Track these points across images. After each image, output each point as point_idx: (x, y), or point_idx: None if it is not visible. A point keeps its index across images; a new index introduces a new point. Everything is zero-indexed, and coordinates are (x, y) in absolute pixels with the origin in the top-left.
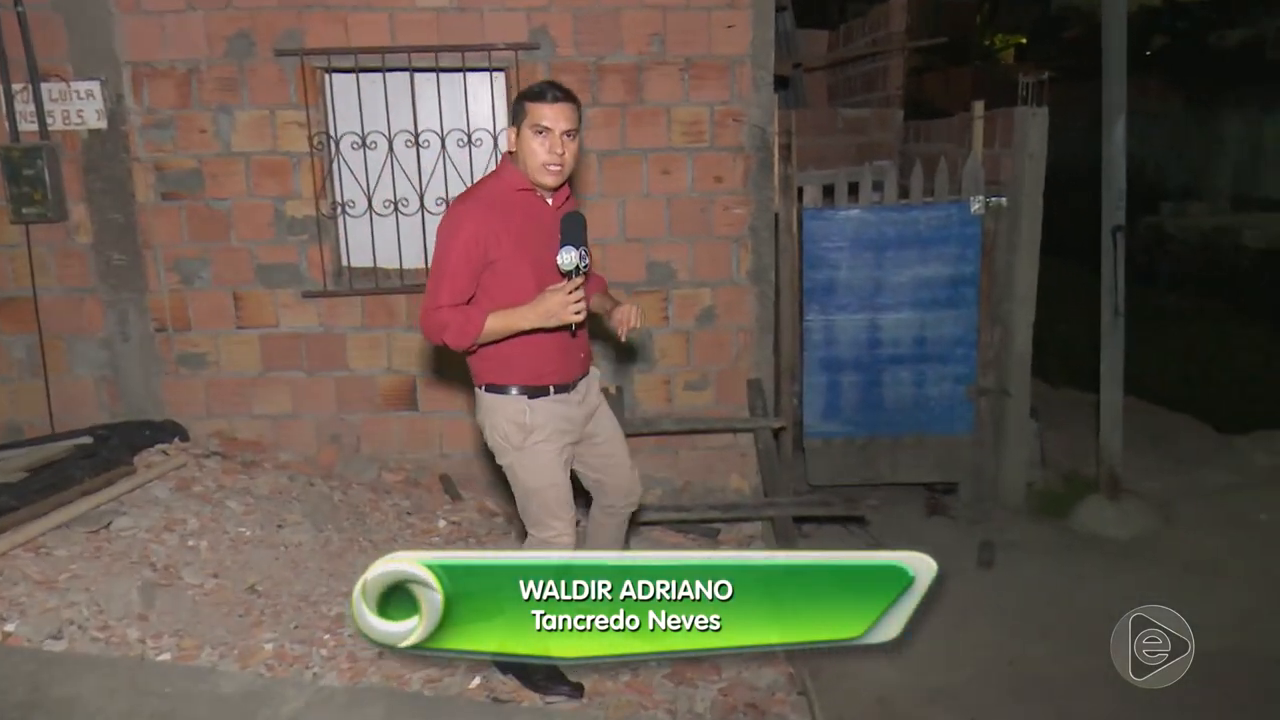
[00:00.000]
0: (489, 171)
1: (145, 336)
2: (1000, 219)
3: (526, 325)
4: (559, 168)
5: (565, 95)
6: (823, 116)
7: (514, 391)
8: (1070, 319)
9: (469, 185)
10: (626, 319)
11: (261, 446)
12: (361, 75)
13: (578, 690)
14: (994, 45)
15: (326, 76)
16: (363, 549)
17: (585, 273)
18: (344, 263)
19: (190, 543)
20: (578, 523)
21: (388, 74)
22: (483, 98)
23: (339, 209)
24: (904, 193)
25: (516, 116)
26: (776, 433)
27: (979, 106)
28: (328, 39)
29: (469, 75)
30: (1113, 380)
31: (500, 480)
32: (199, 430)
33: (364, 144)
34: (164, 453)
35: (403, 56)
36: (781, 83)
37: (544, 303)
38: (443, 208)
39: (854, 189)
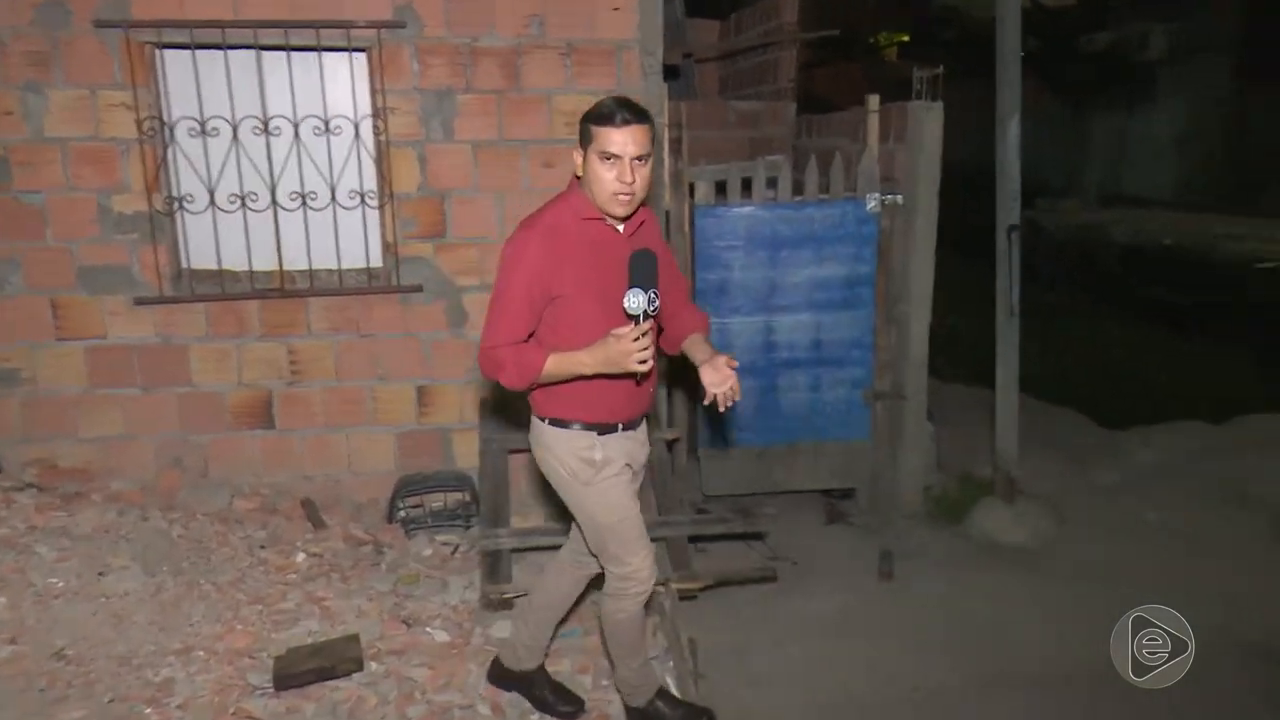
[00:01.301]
0: (556, 194)
1: None
2: (896, 217)
3: (588, 371)
4: (629, 196)
5: (636, 116)
6: (714, 109)
7: (578, 427)
8: (949, 313)
9: (330, 181)
10: (718, 384)
11: (89, 475)
12: (199, 53)
13: (579, 705)
14: (879, 43)
15: (158, 53)
16: (203, 594)
17: (653, 316)
18: (184, 265)
19: None
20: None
21: (230, 52)
22: (342, 80)
23: (176, 204)
24: (798, 189)
25: (582, 139)
26: (670, 444)
27: (874, 100)
28: (158, 9)
29: (325, 55)
30: (1008, 383)
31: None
32: (13, 458)
33: (204, 131)
34: None
35: (247, 32)
36: (671, 72)
37: (605, 349)
38: (298, 203)
39: (747, 185)
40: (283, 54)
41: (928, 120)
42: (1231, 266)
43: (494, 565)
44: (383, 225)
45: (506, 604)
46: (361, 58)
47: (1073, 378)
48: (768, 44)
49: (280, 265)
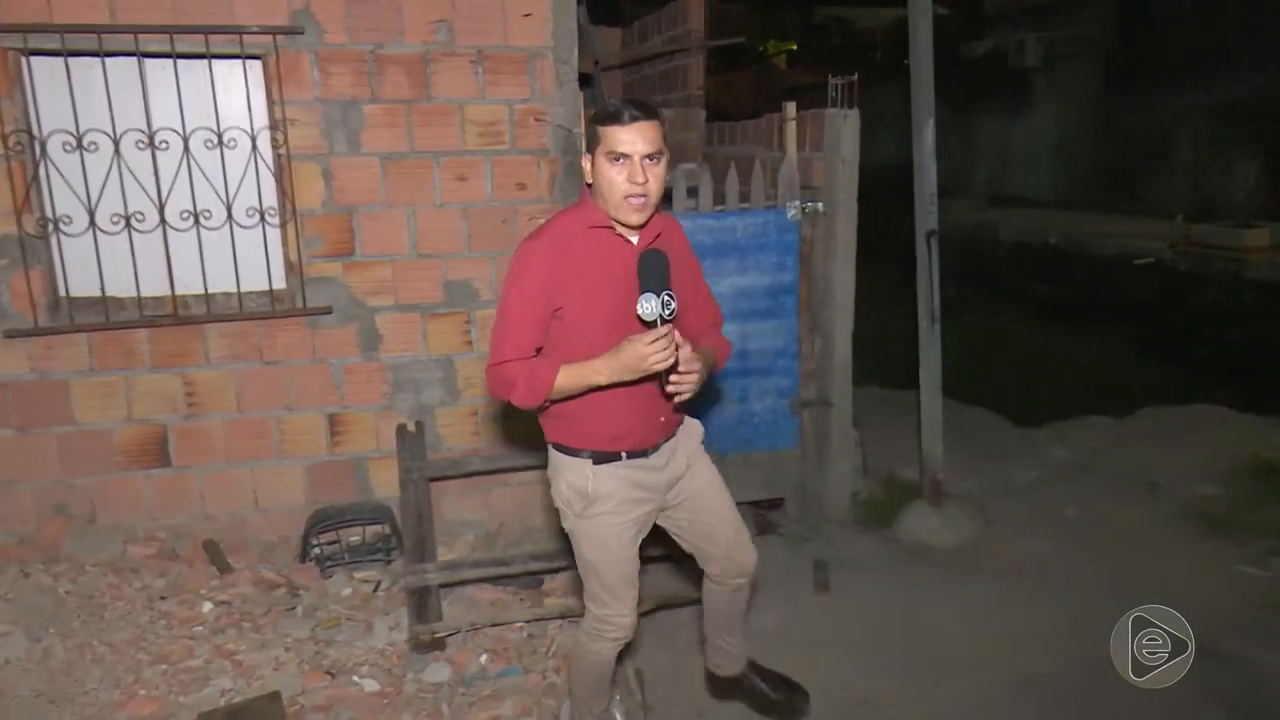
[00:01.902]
0: (566, 207)
1: None
2: (817, 225)
3: (602, 379)
4: (643, 199)
5: (645, 112)
6: None
7: (581, 455)
8: (862, 317)
9: (225, 198)
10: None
11: None
12: (74, 60)
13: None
14: (767, 51)
15: (24, 60)
16: (97, 657)
17: (671, 319)
18: (62, 292)
19: None
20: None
21: (108, 59)
22: (236, 90)
23: (50, 226)
24: (719, 198)
25: (589, 143)
26: None
27: (791, 108)
28: (22, 12)
29: (216, 63)
30: (931, 387)
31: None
32: None
33: (80, 145)
34: None
35: (127, 38)
36: (584, 81)
37: (620, 353)
38: (190, 223)
39: (666, 195)
40: (168, 61)
41: (845, 127)
42: (1112, 263)
43: (422, 603)
44: (285, 244)
45: (439, 644)
46: (256, 65)
47: (979, 375)
48: (674, 51)
49: (172, 290)
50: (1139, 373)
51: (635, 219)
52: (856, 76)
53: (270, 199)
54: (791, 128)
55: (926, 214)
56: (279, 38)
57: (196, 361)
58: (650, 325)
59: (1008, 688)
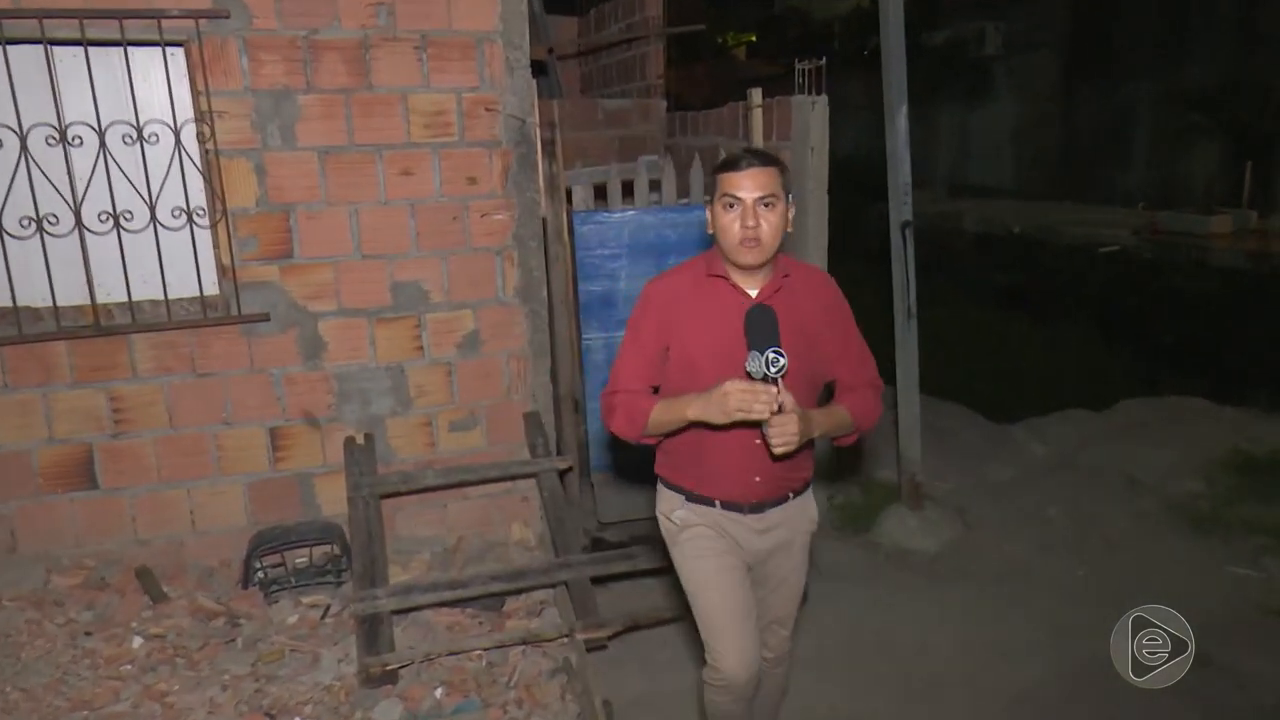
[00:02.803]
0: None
1: None
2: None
3: (691, 414)
4: (755, 243)
5: (761, 159)
6: (582, 108)
7: (677, 490)
8: None
9: (148, 198)
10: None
11: None
12: None
13: None
14: (726, 42)
15: None
16: (10, 705)
17: (779, 376)
18: None
19: None
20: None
21: (10, 46)
22: (156, 81)
23: None
24: (683, 191)
25: (710, 192)
26: (562, 474)
27: (757, 95)
28: None
29: (134, 51)
30: (909, 387)
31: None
32: None
33: None
34: None
35: (32, 24)
36: (538, 69)
37: (712, 391)
38: (109, 225)
39: (628, 188)
40: (79, 50)
41: (813, 115)
42: (1078, 251)
43: (372, 632)
44: (216, 246)
45: (390, 677)
46: (179, 53)
47: (951, 369)
48: (632, 39)
49: (92, 298)
50: (1111, 364)
51: (749, 259)
52: (824, 61)
53: (198, 198)
54: (757, 115)
55: (901, 205)
56: (202, 23)
57: (123, 375)
58: (762, 381)
59: (1000, 705)
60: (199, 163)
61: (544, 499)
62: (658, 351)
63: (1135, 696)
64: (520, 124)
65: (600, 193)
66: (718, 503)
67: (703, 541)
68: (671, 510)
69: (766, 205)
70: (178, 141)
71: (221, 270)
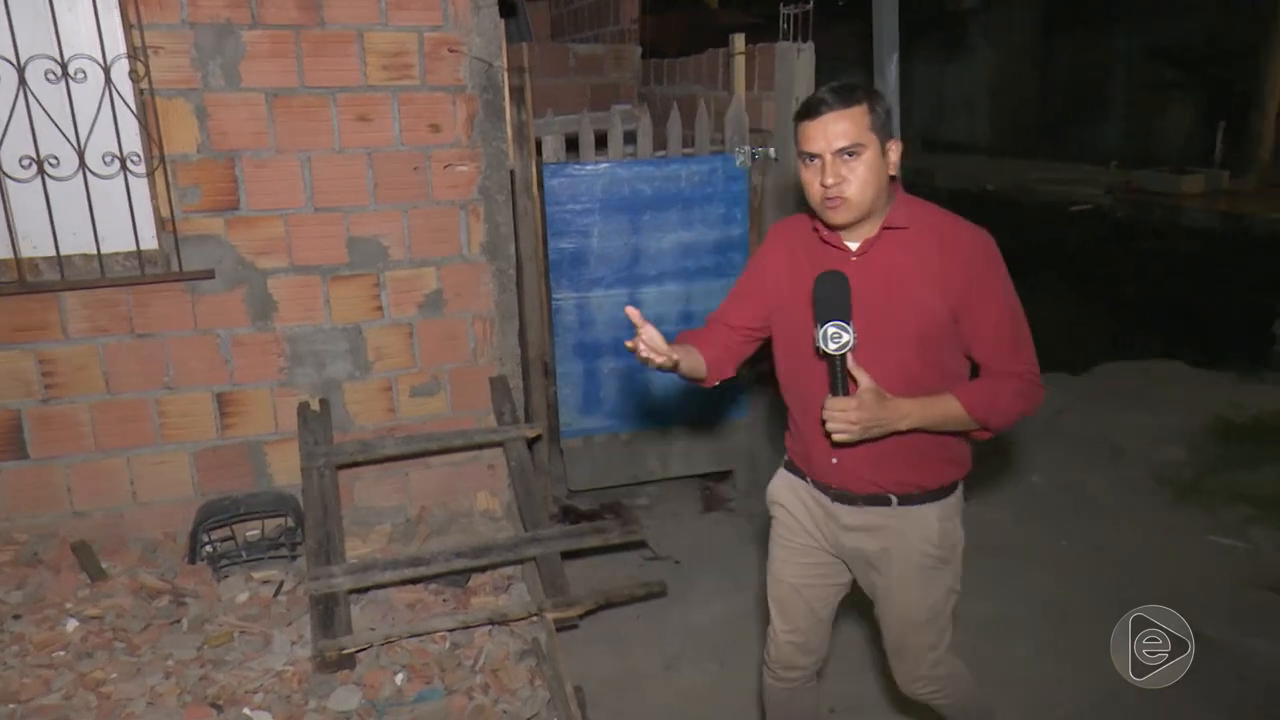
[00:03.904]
0: None
1: None
2: (767, 172)
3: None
4: (839, 200)
5: (839, 98)
6: (551, 53)
7: (785, 459)
8: None
9: (76, 142)
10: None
11: None
12: None
13: None
14: None
15: None
16: None
17: (843, 352)
18: None
19: None
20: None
21: None
22: (82, 13)
23: None
24: (660, 143)
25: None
26: (531, 441)
27: (739, 40)
28: None
29: None
30: None
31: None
32: None
33: None
34: None
35: None
36: (506, 10)
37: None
38: (33, 171)
39: (601, 139)
40: None
41: (799, 63)
42: (1051, 209)
43: (328, 613)
44: (154, 197)
45: (347, 661)
46: None
47: None
48: None
49: (15, 251)
50: (1087, 324)
51: (837, 219)
52: (811, 4)
53: (133, 143)
54: (739, 63)
55: None
56: None
57: (52, 336)
58: (827, 359)
59: (988, 687)
60: (133, 104)
61: (511, 468)
62: (750, 290)
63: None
64: (487, 68)
65: (572, 144)
66: (809, 478)
67: (779, 526)
68: (772, 480)
69: (851, 155)
70: (108, 80)
71: (160, 223)
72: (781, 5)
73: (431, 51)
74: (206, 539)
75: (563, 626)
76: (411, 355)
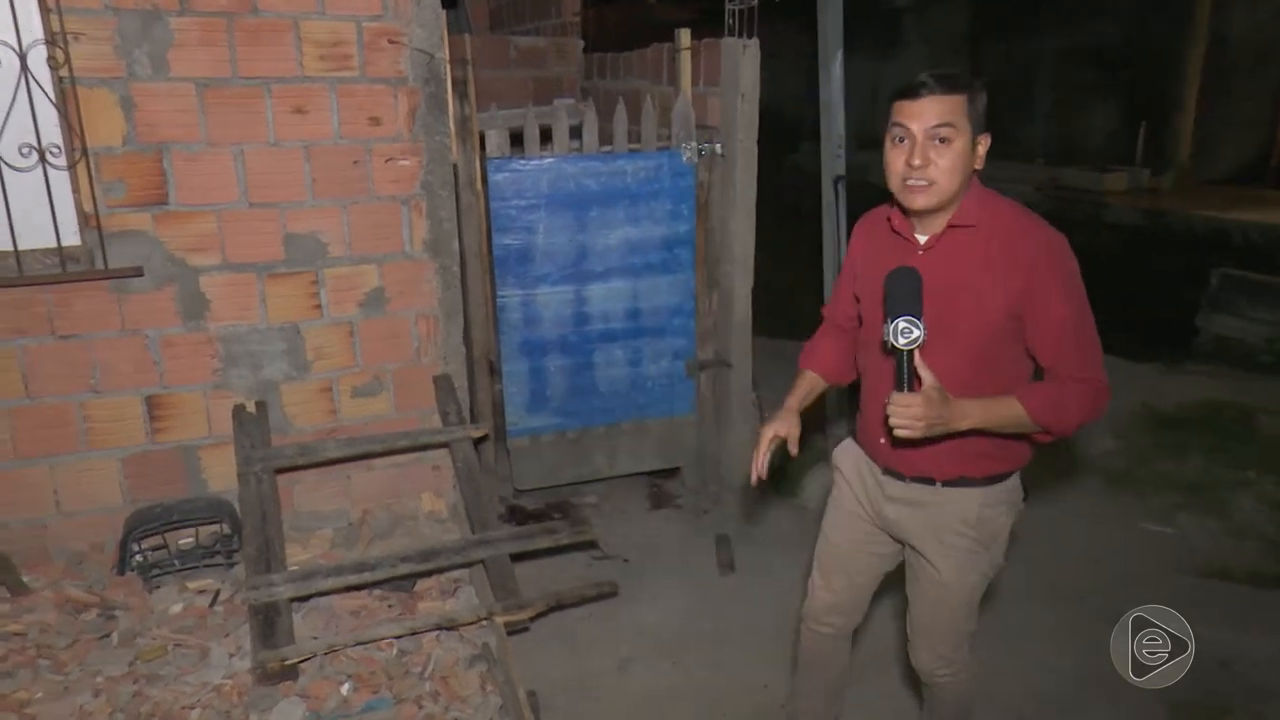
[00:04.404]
0: None
1: None
2: (714, 169)
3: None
4: (923, 184)
5: (946, 85)
6: (492, 45)
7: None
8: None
9: None
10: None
11: None
12: None
13: None
14: None
15: None
16: None
17: (912, 348)
18: None
19: None
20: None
21: None
22: None
23: None
24: (605, 138)
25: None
26: (478, 442)
27: (685, 35)
28: None
29: None
30: None
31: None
32: None
33: None
34: None
35: None
36: (445, 1)
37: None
38: None
39: (546, 134)
40: None
41: (745, 59)
42: None
43: (269, 623)
44: (77, 191)
45: (290, 672)
46: None
47: None
48: None
49: None
50: None
51: (918, 202)
52: (756, 1)
53: (52, 134)
54: (686, 58)
55: (834, 158)
56: None
57: None
58: (894, 354)
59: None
60: (52, 93)
61: (458, 469)
62: (844, 280)
63: (1068, 665)
64: (429, 59)
65: (517, 139)
66: (864, 445)
67: (835, 489)
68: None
69: (942, 140)
70: (24, 67)
71: (84, 218)
72: (727, 1)
73: (371, 42)
74: (137, 548)
75: (513, 630)
76: (353, 355)
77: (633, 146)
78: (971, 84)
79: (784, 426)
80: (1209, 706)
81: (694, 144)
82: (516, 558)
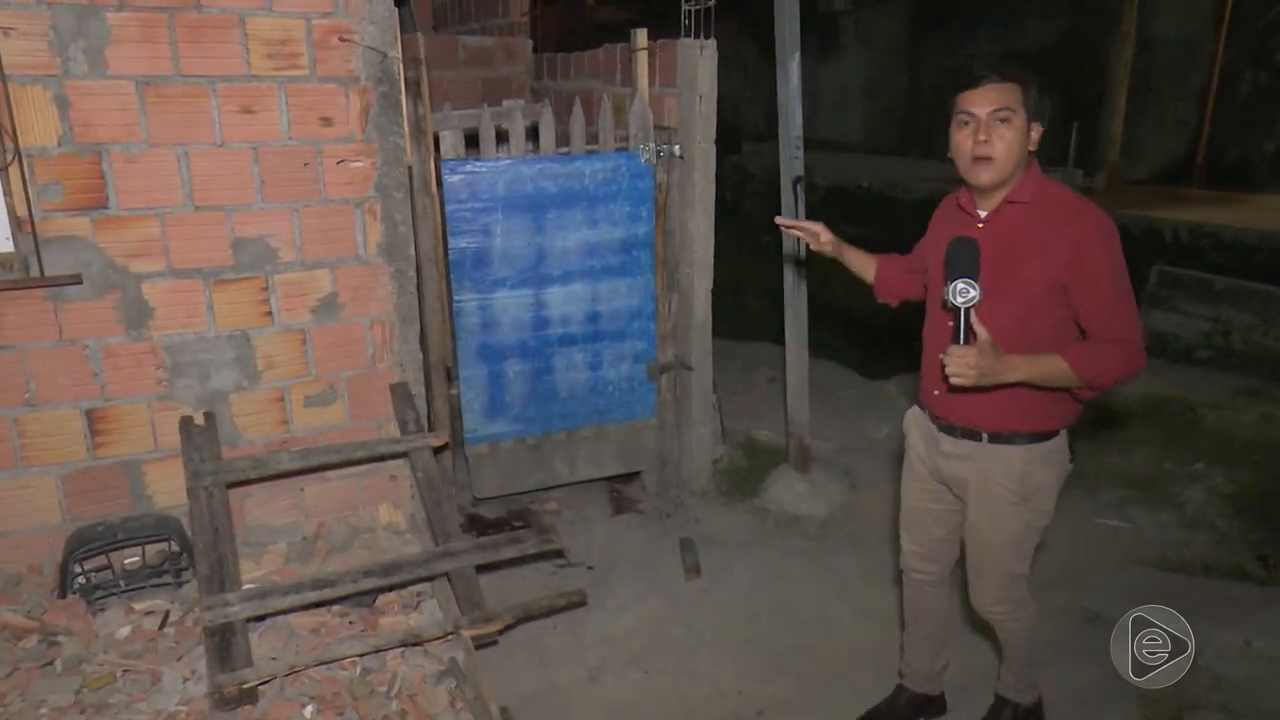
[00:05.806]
0: None
1: None
2: (672, 170)
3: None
4: (989, 160)
5: (999, 74)
6: (440, 44)
7: None
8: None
9: None
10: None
11: None
12: None
13: None
14: None
15: None
16: None
17: (968, 306)
18: None
19: None
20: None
21: None
22: None
23: None
24: (562, 140)
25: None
26: (437, 450)
27: (641, 35)
28: None
29: None
30: (798, 348)
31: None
32: None
33: None
34: None
35: None
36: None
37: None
38: None
39: (502, 135)
40: None
41: (702, 60)
42: (924, 206)
43: (225, 645)
44: (9, 194)
45: (249, 696)
46: None
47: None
48: None
49: None
50: None
51: (984, 179)
52: (714, 1)
53: None
54: (642, 59)
55: (792, 159)
56: None
57: None
58: (954, 311)
59: (876, 668)
60: None
61: (418, 479)
62: (920, 246)
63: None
64: (381, 58)
65: (472, 140)
66: (924, 407)
67: (907, 453)
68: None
69: (1002, 121)
70: None
71: (16, 223)
72: (684, 2)
73: (321, 40)
74: (79, 569)
75: (480, 644)
76: (305, 363)
77: (591, 148)
78: (1025, 77)
79: (829, 234)
80: (1176, 698)
81: (652, 145)
82: (480, 569)
